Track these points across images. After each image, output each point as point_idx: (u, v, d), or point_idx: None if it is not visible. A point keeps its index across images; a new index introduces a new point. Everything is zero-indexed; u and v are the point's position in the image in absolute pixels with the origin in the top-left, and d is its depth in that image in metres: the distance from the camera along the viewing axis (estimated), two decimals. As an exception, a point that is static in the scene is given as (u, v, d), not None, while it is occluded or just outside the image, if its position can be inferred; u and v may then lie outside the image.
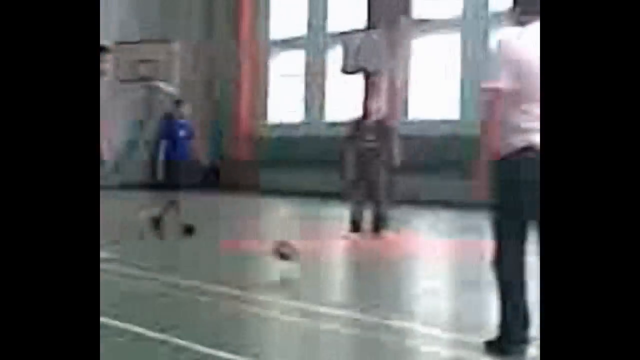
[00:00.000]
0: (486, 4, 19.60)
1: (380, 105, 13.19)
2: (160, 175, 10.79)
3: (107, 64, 8.72)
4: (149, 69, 22.61)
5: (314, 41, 23.60)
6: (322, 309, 5.75)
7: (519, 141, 4.57)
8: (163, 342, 4.59)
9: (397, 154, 10.96)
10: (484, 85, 4.85)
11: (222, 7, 25.83)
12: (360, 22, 21.53)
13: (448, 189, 17.81)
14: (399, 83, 21.05)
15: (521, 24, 4.75)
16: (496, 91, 4.66)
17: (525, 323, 4.68)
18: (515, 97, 4.59)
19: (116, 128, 21.07)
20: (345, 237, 10.88)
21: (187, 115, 11.28)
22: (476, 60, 18.95)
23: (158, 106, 23.68)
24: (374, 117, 11.07)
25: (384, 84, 20.57)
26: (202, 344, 4.51)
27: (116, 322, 4.95)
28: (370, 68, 20.33)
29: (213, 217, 15.09)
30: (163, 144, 10.85)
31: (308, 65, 23.92)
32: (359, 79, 21.23)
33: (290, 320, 5.55)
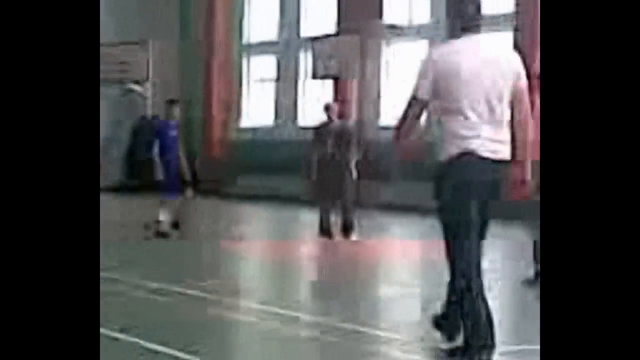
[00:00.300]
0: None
1: (346, 110, 13.39)
2: (160, 175, 10.81)
3: None
4: (123, 71, 22.77)
5: (286, 45, 23.80)
6: (281, 311, 5.96)
7: (456, 147, 4.77)
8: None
9: (354, 160, 11.08)
10: (408, 94, 5.00)
11: (197, 8, 25.94)
12: (332, 26, 21.78)
13: (417, 193, 18.03)
14: (369, 88, 21.28)
15: (452, 36, 4.92)
16: (416, 99, 4.88)
17: (487, 322, 4.73)
18: (446, 108, 4.80)
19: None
20: (315, 241, 11.16)
21: (178, 116, 11.45)
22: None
23: (132, 107, 23.86)
24: (337, 122, 11.29)
25: (353, 89, 20.82)
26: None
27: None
28: (341, 73, 20.59)
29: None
30: (156, 144, 10.93)
31: (280, 69, 24.10)
32: (330, 84, 21.50)
33: (248, 321, 5.81)
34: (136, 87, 23.32)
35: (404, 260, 10.40)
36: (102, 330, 4.71)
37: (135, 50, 22.99)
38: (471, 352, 4.70)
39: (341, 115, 12.11)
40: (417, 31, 20.76)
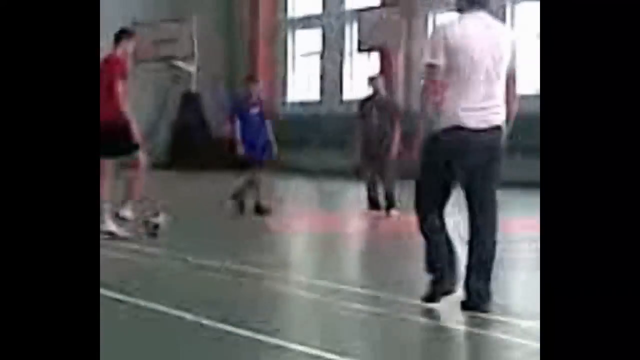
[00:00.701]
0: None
1: (391, 83, 13.29)
2: (242, 150, 10.87)
3: (131, 46, 8.98)
4: (168, 49, 22.93)
5: (331, 18, 23.81)
6: (339, 286, 6.01)
7: (451, 119, 5.13)
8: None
9: (398, 133, 11.02)
10: (425, 61, 5.32)
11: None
12: None
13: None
14: (415, 60, 21.16)
15: (460, 10, 5.25)
16: (434, 67, 5.17)
17: (453, 272, 5.28)
18: (452, 82, 5.15)
19: (140, 110, 21.33)
20: (363, 214, 11.21)
21: (259, 94, 11.36)
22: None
23: (178, 85, 24.03)
24: (382, 95, 11.21)
25: (399, 61, 20.72)
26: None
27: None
28: (386, 45, 20.51)
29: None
30: (238, 123, 10.95)
31: (325, 43, 24.08)
32: (375, 56, 21.42)
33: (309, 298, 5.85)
34: (182, 65, 23.49)
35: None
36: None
37: (180, 28, 23.17)
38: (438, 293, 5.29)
39: (386, 88, 12.02)
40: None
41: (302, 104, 24.51)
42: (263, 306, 5.55)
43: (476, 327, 5.07)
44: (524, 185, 14.92)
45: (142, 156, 8.72)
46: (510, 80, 5.39)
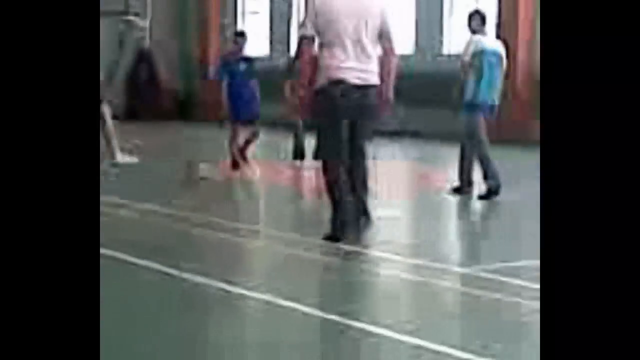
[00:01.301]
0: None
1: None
2: (229, 116, 10.63)
3: None
4: (122, 4, 23.53)
5: None
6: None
7: (328, 76, 5.75)
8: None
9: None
10: (298, 33, 6.10)
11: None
12: None
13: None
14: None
15: None
16: (304, 38, 5.93)
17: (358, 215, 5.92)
18: (325, 44, 5.80)
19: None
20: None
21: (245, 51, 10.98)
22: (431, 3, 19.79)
23: (132, 41, 24.62)
24: None
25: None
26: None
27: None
28: None
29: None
30: (225, 85, 10.69)
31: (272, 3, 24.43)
32: None
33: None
34: (136, 20, 23.95)
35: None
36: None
37: None
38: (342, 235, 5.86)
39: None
40: None
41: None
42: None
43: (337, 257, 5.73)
44: (405, 134, 16.59)
45: (105, 108, 9.39)
46: (385, 40, 5.88)
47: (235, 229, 6.86)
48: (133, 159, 9.72)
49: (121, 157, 9.69)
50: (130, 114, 23.12)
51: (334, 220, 5.86)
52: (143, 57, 24.55)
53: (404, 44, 19.85)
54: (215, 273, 5.15)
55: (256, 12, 24.97)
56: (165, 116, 22.87)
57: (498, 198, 8.49)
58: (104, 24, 22.97)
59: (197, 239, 6.49)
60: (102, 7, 21.11)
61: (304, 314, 4.35)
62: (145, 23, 23.56)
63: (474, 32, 8.90)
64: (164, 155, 13.11)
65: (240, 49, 10.90)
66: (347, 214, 5.86)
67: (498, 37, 15.67)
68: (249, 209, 8.86)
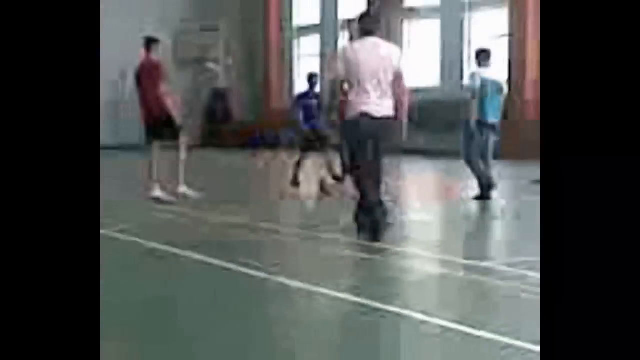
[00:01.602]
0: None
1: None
2: (303, 126, 10.62)
3: (159, 51, 9.45)
4: (200, 51, 24.41)
5: (327, 27, 24.74)
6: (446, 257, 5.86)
7: (355, 110, 6.34)
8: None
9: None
10: (330, 77, 6.74)
11: None
12: (362, 9, 22.50)
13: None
14: None
15: (360, 35, 6.43)
16: (335, 79, 6.52)
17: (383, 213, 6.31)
18: (351, 85, 6.36)
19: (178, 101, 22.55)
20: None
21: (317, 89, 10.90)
22: (453, 43, 20.22)
23: (207, 82, 25.46)
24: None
25: None
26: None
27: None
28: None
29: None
30: (301, 110, 10.63)
31: (322, 48, 24.95)
32: None
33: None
34: (212, 65, 24.80)
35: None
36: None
37: (210, 34, 24.52)
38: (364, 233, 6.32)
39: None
40: (431, 11, 21.49)
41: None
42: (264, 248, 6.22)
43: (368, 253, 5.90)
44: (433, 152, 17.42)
45: (183, 139, 9.39)
46: (399, 81, 6.37)
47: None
48: (194, 194, 9.42)
49: (184, 189, 9.46)
50: (208, 142, 23.99)
51: (374, 222, 6.31)
52: (219, 96, 25.42)
53: (430, 77, 20.79)
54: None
55: (307, 55, 25.38)
56: (238, 144, 23.39)
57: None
58: (188, 70, 23.95)
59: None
60: (193, 54, 21.83)
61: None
62: (219, 68, 24.34)
63: (479, 64, 9.54)
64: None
65: (311, 88, 10.91)
66: (380, 216, 6.33)
67: (509, 76, 15.85)
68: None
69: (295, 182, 10.74)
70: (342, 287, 4.79)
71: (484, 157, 9.27)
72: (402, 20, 22.19)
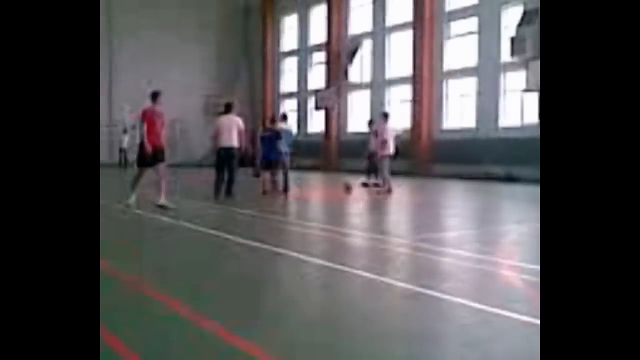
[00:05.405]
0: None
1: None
2: (260, 159, 13.49)
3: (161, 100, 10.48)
4: (219, 107, 31.76)
5: (302, 94, 32.73)
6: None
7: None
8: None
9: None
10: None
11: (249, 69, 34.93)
12: (323, 83, 30.97)
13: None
14: (342, 114, 30.00)
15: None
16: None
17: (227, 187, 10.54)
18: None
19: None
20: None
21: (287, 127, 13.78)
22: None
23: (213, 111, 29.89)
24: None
25: (334, 115, 30.37)
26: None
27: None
28: (328, 106, 30.27)
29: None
30: (281, 144, 13.37)
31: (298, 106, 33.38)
32: (322, 113, 30.78)
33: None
34: (214, 98, 31.51)
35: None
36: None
37: (227, 93, 32.18)
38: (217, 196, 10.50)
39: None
40: (365, 85, 28.38)
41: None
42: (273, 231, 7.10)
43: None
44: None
45: (162, 165, 10.32)
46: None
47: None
48: (170, 204, 10.09)
49: (163, 201, 10.28)
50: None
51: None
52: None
53: (470, 120, 23.89)
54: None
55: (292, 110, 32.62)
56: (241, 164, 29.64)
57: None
58: (195, 100, 34.53)
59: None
60: (200, 91, 34.10)
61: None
62: (221, 100, 27.32)
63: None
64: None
65: (271, 128, 13.78)
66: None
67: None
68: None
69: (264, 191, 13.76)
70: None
71: None
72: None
